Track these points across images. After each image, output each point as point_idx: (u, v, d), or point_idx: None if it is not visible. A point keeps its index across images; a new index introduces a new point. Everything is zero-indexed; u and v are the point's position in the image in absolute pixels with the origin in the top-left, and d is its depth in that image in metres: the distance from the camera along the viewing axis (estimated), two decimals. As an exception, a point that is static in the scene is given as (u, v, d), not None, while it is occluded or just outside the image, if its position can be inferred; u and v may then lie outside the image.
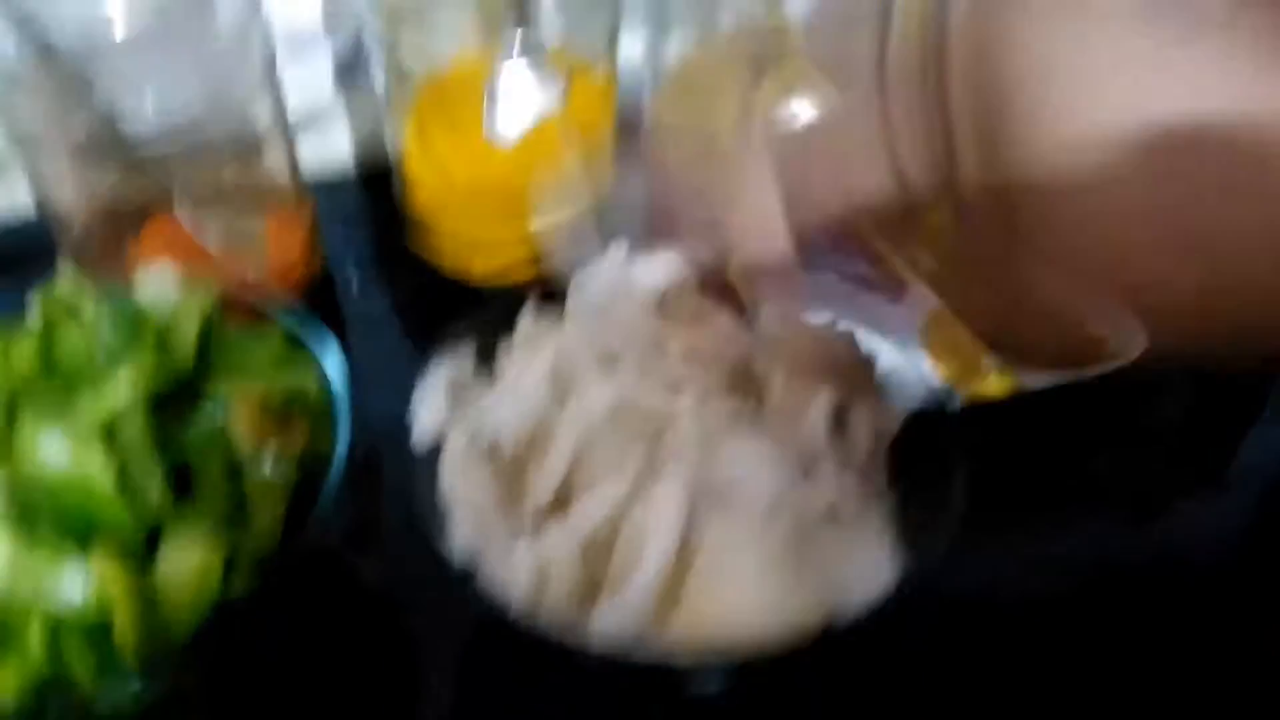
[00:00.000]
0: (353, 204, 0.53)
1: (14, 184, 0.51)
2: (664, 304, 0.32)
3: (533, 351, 0.32)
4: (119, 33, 0.38)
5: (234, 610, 0.27)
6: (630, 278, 0.33)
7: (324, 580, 0.36)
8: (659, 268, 0.33)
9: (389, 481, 0.37)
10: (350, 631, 0.35)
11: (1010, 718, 0.33)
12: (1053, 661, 0.34)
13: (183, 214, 0.46)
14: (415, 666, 0.34)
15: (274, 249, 0.46)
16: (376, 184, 0.52)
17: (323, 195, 0.50)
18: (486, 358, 0.33)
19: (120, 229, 0.46)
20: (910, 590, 0.28)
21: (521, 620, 0.27)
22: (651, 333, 0.31)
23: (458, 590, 0.28)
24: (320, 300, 0.47)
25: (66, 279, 0.32)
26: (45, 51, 0.40)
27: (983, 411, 0.37)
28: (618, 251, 0.34)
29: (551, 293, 0.34)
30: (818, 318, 0.36)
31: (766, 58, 0.46)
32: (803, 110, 0.25)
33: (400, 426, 0.31)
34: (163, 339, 0.30)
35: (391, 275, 0.49)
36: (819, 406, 0.30)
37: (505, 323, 0.33)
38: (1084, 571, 0.37)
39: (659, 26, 0.45)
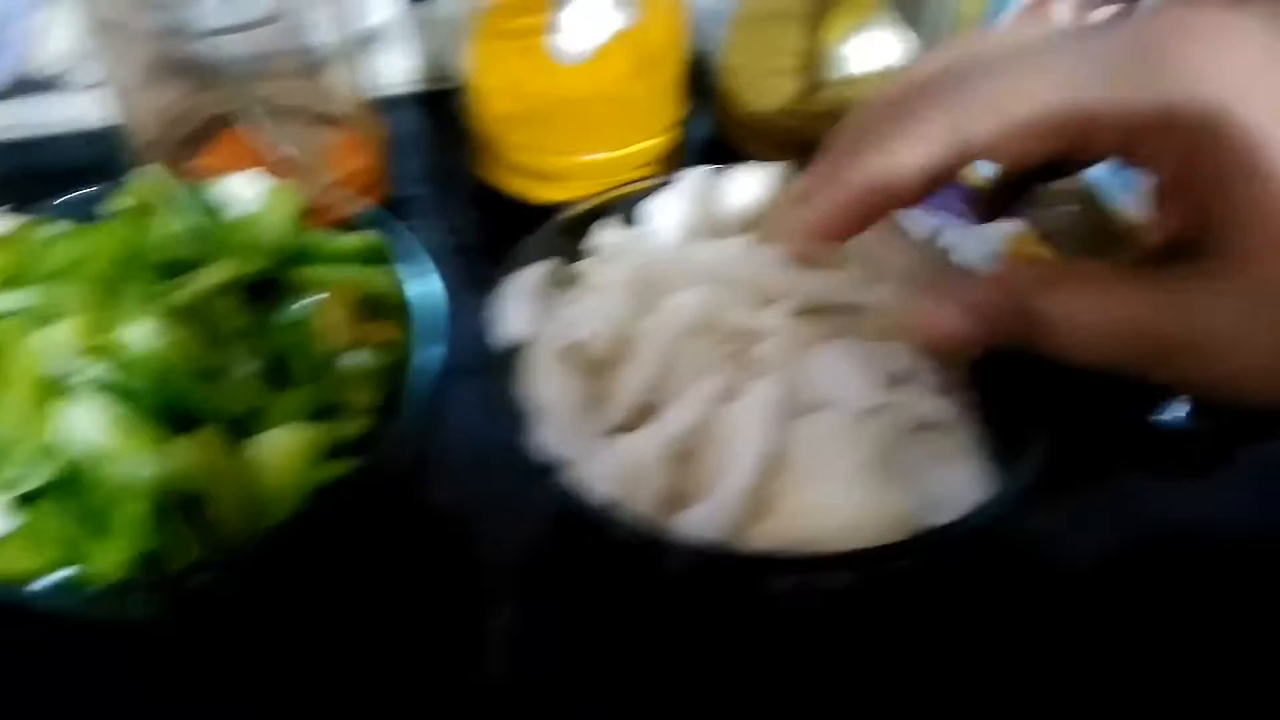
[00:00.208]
0: (417, 124, 0.53)
1: (74, 97, 0.51)
2: (755, 218, 0.32)
3: (618, 258, 0.32)
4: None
5: (327, 496, 0.27)
6: (721, 190, 0.33)
7: (393, 500, 0.36)
8: (752, 180, 0.32)
9: (456, 404, 0.37)
10: (418, 549, 0.35)
11: (1065, 665, 0.33)
12: (1109, 612, 0.34)
13: (249, 130, 0.46)
14: (482, 583, 0.34)
15: (339, 168, 0.46)
16: (440, 105, 0.52)
17: (386, 114, 0.50)
18: (571, 264, 0.33)
19: (187, 144, 0.46)
20: (1000, 510, 0.27)
21: (606, 520, 0.26)
22: (743, 244, 0.31)
23: (540, 492, 0.28)
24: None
25: (156, 171, 0.32)
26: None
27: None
28: (699, 170, 0.34)
29: (635, 201, 0.33)
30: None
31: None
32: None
33: (467, 350, 0.31)
34: (252, 230, 0.30)
35: (455, 198, 0.49)
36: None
37: (590, 229, 0.33)
38: (1144, 526, 0.37)
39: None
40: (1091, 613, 0.34)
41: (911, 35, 0.46)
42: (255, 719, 0.31)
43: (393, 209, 0.48)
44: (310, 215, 0.34)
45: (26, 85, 0.50)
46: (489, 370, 0.30)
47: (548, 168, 0.46)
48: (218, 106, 0.46)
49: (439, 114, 0.52)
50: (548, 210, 0.33)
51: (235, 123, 0.46)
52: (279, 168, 0.46)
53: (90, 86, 0.50)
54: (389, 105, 0.51)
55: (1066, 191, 0.46)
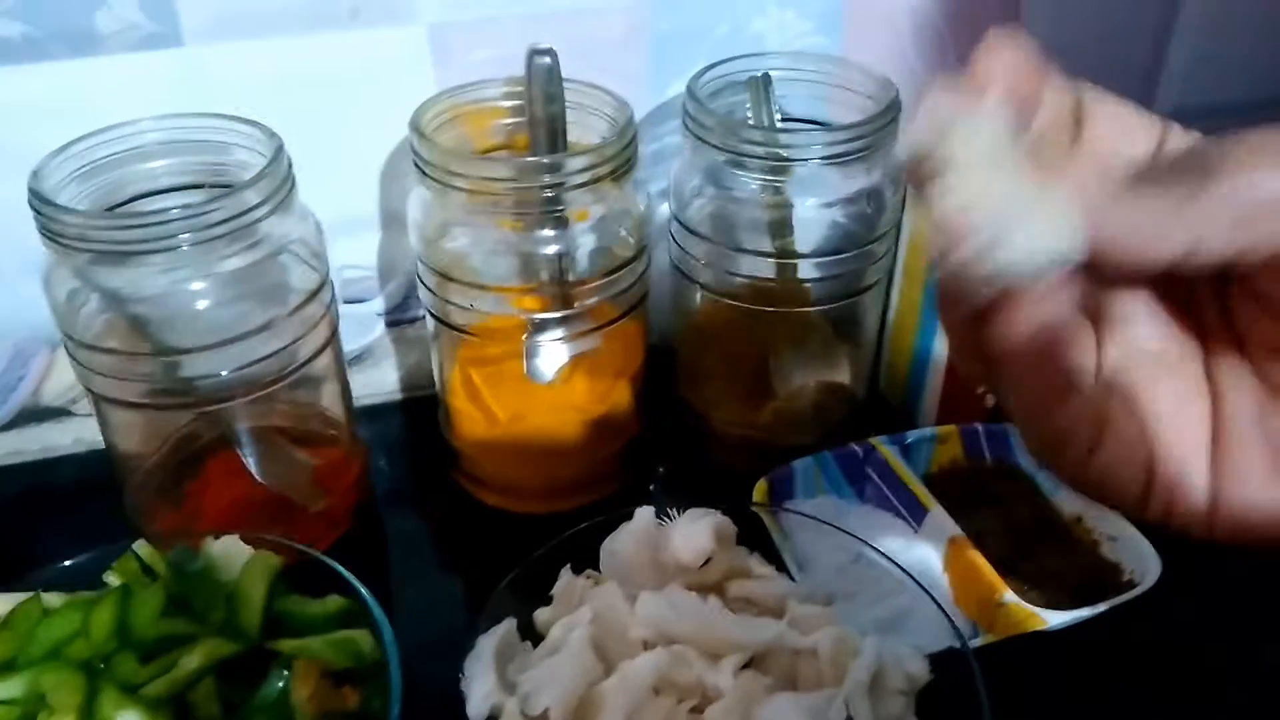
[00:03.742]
0: (397, 432, 0.56)
1: (78, 422, 0.55)
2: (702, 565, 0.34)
3: (571, 608, 0.34)
4: (200, 304, 0.41)
5: None
6: (667, 542, 0.35)
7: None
8: (698, 533, 0.35)
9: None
10: None
11: None
12: None
13: (242, 451, 0.49)
14: None
15: (325, 484, 0.49)
16: (419, 412, 0.55)
17: (369, 422, 0.54)
18: (528, 613, 0.35)
19: (182, 464, 0.49)
20: None
21: None
22: (695, 601, 0.33)
23: None
24: (365, 527, 0.50)
25: (141, 548, 0.34)
26: (132, 320, 0.43)
27: (1001, 652, 0.39)
28: (646, 513, 0.36)
29: (584, 536, 0.36)
30: (842, 548, 0.38)
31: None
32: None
33: (439, 661, 0.33)
34: (232, 606, 0.32)
35: (433, 503, 0.52)
36: (861, 664, 0.31)
37: (543, 578, 0.35)
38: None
39: (682, 279, 0.49)
40: None
41: (848, 350, 0.50)
42: None
43: (371, 516, 0.51)
44: (289, 549, 0.36)
45: (33, 415, 0.53)
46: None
47: (516, 482, 0.49)
48: (211, 430, 0.49)
49: (418, 422, 0.55)
50: (518, 518, 0.34)
51: (228, 445, 0.49)
52: (268, 486, 0.49)
53: (91, 414, 0.54)
54: (369, 413, 0.55)
55: (1006, 482, 0.49)
